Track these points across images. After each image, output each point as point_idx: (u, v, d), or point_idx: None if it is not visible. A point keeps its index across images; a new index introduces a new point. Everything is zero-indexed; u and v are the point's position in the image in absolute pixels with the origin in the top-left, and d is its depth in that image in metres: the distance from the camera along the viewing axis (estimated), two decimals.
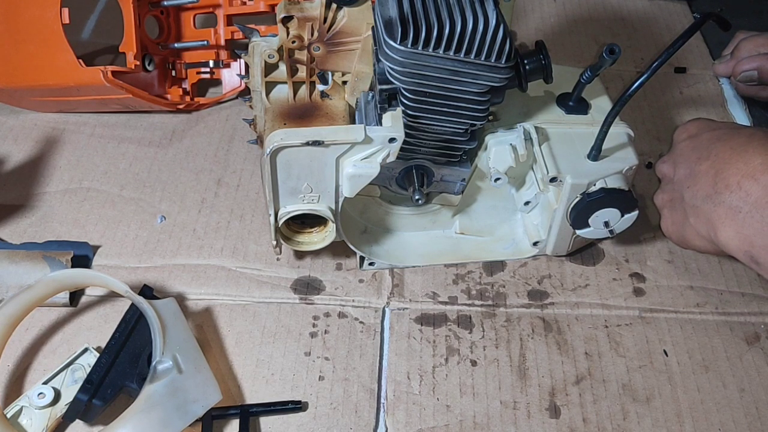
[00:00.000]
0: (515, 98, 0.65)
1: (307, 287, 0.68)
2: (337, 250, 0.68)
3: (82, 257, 0.68)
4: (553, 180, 0.62)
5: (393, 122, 0.58)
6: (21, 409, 0.57)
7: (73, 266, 0.65)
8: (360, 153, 0.58)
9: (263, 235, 0.71)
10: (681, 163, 0.63)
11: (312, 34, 0.59)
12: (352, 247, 0.66)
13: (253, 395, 0.60)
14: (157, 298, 0.62)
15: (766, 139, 0.58)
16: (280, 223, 0.62)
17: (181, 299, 0.65)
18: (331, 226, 0.64)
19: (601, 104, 0.67)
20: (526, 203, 0.68)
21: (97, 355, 0.60)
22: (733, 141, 0.59)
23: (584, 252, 0.71)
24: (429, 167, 0.63)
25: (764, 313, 0.67)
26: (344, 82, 0.62)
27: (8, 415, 0.56)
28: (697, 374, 0.62)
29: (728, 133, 0.61)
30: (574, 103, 0.66)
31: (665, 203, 0.66)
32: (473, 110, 0.58)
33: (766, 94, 0.83)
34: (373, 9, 0.58)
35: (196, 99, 0.85)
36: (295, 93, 0.63)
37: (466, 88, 0.56)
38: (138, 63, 0.75)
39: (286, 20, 0.58)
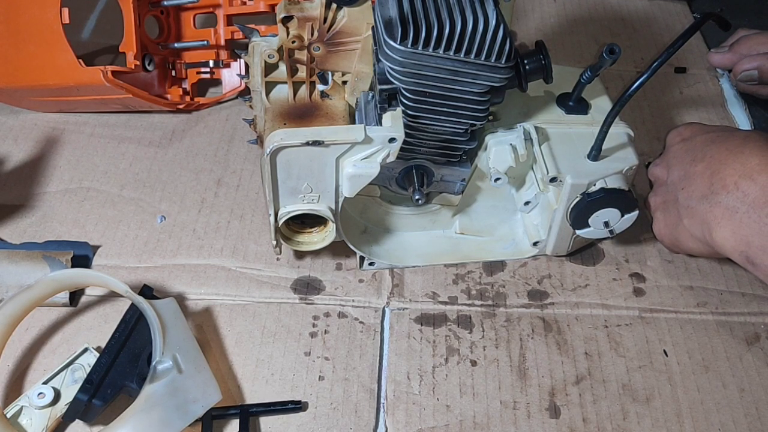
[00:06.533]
0: (515, 98, 0.65)
1: (307, 287, 0.68)
2: (337, 250, 0.68)
3: (82, 257, 0.68)
4: (553, 180, 0.62)
5: (393, 122, 0.58)
6: (21, 409, 0.57)
7: (73, 266, 0.65)
8: (360, 153, 0.58)
9: (263, 235, 0.71)
10: (675, 165, 0.63)
11: (312, 34, 0.59)
12: (352, 247, 0.66)
13: (253, 395, 0.60)
14: (157, 298, 0.62)
15: (761, 141, 0.58)
16: (280, 223, 0.62)
17: (181, 299, 0.65)
18: (331, 226, 0.64)
19: (601, 104, 0.67)
20: (526, 203, 0.68)
21: (97, 355, 0.60)
22: (729, 143, 0.59)
23: (584, 252, 0.71)
24: (429, 167, 0.63)
25: (764, 313, 0.67)
26: (344, 82, 0.62)
27: (8, 415, 0.56)
28: (697, 374, 0.62)
29: (723, 135, 0.61)
30: (574, 103, 0.66)
31: (658, 206, 0.66)
32: (473, 110, 0.58)
33: (765, 92, 0.83)
34: (373, 9, 0.58)
35: (196, 99, 0.85)
36: (295, 93, 0.63)
37: (466, 88, 0.56)
38: (138, 63, 0.75)
39: (286, 20, 0.58)
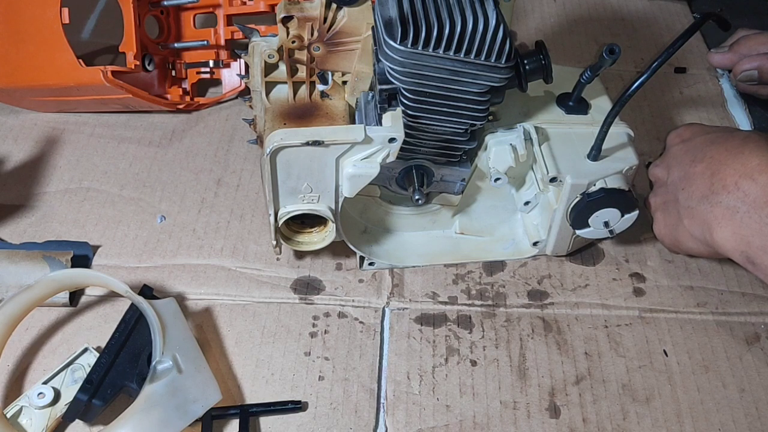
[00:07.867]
0: (515, 98, 0.65)
1: (307, 287, 0.68)
2: (337, 250, 0.68)
3: (82, 257, 0.68)
4: (553, 180, 0.62)
5: (393, 122, 0.58)
6: (21, 409, 0.57)
7: (73, 266, 0.65)
8: (360, 153, 0.58)
9: (263, 235, 0.71)
10: (675, 165, 0.63)
11: (312, 34, 0.59)
12: (352, 247, 0.66)
13: (253, 395, 0.60)
14: (157, 298, 0.62)
15: (761, 141, 0.58)
16: (280, 223, 0.62)
17: (181, 299, 0.65)
18: (331, 226, 0.64)
19: (601, 104, 0.67)
20: (526, 203, 0.68)
21: (97, 355, 0.60)
22: (729, 143, 0.59)
23: (584, 252, 0.71)
24: (429, 167, 0.63)
25: (764, 313, 0.67)
26: (344, 82, 0.62)
27: (8, 415, 0.56)
28: (697, 374, 0.62)
29: (722, 136, 0.61)
30: (574, 103, 0.66)
31: (658, 206, 0.66)
32: (473, 110, 0.58)
33: (765, 92, 0.83)
34: (373, 9, 0.58)
35: (196, 99, 0.85)
36: (295, 93, 0.63)
37: (466, 88, 0.56)
38: (138, 63, 0.75)
39: (286, 20, 0.58)
